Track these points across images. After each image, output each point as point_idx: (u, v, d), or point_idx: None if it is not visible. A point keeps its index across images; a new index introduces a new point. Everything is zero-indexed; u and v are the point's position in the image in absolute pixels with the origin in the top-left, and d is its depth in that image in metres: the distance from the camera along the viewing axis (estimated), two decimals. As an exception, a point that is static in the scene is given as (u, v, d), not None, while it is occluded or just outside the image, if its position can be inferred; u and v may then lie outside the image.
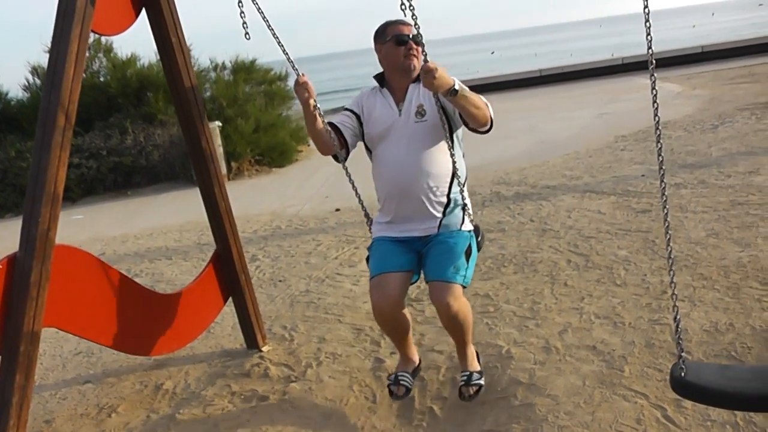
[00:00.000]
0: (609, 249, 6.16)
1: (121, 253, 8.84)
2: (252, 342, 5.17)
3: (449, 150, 3.67)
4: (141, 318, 4.28)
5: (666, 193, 2.85)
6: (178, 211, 11.14)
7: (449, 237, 3.72)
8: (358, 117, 3.89)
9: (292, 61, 3.86)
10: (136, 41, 14.31)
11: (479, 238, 3.85)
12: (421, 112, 3.70)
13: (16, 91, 15.73)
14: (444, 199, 3.73)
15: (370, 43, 3.87)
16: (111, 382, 5.06)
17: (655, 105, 2.84)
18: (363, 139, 3.92)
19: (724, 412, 3.52)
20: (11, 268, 3.29)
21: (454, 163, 3.69)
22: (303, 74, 3.70)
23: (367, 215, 4.11)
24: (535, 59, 41.66)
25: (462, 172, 3.77)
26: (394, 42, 3.75)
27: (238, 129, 14.03)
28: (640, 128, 12.26)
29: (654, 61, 2.80)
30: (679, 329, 2.80)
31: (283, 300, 6.24)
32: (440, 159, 3.70)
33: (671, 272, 2.84)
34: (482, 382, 3.84)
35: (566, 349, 4.41)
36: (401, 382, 3.90)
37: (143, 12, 4.20)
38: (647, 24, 2.77)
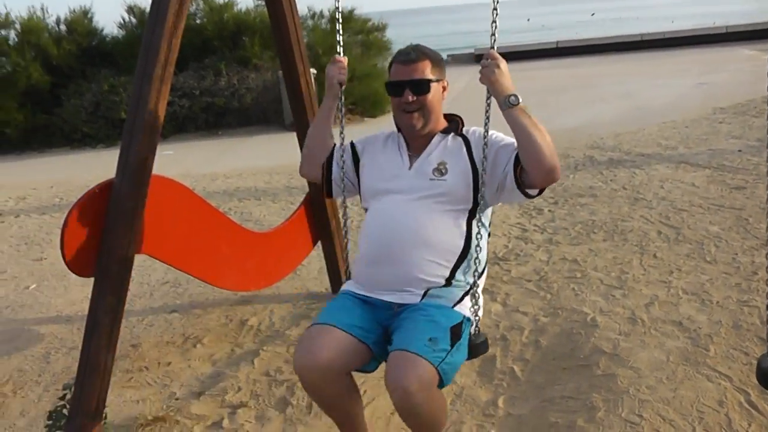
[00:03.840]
0: (701, 224, 6.02)
1: (211, 191, 9.05)
2: (337, 287, 5.23)
3: (467, 226, 2.89)
4: (231, 253, 4.37)
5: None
6: (269, 154, 11.29)
7: (434, 308, 2.79)
8: (354, 154, 3.19)
9: (339, 32, 3.26)
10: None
11: (479, 341, 2.85)
12: (441, 170, 2.89)
13: (111, 28, 16.13)
14: (440, 281, 2.86)
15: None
16: (197, 314, 5.23)
17: None
18: (359, 191, 3.18)
19: (812, 402, 3.44)
20: (107, 193, 3.38)
21: (469, 243, 2.89)
22: (344, 56, 3.19)
23: (348, 271, 3.26)
24: (636, 23, 40.42)
25: (481, 260, 2.89)
26: (387, 90, 3.01)
27: (332, 77, 14.07)
28: (740, 101, 11.85)
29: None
30: (770, 317, 2.73)
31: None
32: (450, 231, 2.87)
33: (769, 255, 2.75)
34: None
35: (652, 322, 4.35)
36: None
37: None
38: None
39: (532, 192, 2.84)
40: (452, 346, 2.66)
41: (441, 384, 2.63)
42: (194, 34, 14.90)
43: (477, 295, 2.88)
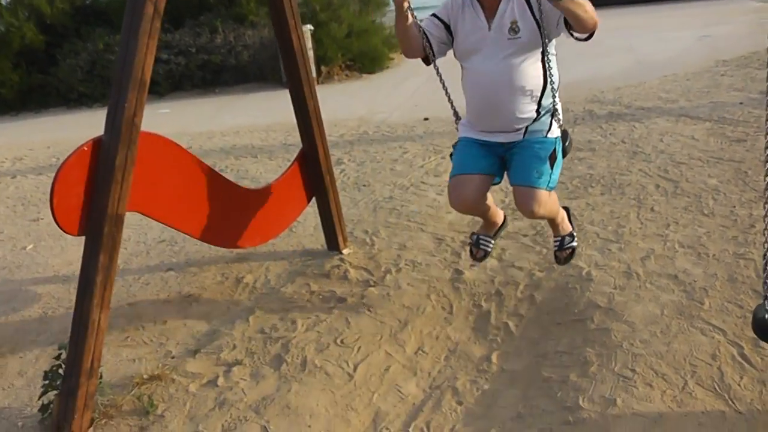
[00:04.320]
0: (699, 177, 5.98)
1: (207, 149, 9.00)
2: (333, 243, 5.24)
3: (542, 64, 3.57)
4: (225, 210, 4.36)
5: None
6: (266, 111, 11.21)
7: (534, 143, 3.69)
8: (446, 27, 3.73)
9: None
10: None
11: (566, 143, 3.79)
12: (514, 29, 3.52)
13: (105, -15, 15.93)
14: (533, 114, 3.65)
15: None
16: (193, 272, 5.23)
17: None
18: (453, 50, 3.80)
19: (805, 356, 3.44)
20: (96, 150, 3.35)
21: (547, 75, 3.60)
22: None
23: (455, 113, 3.99)
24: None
25: (555, 79, 3.66)
26: None
27: (330, 33, 13.92)
28: (743, 53, 11.65)
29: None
30: (766, 268, 2.71)
31: (366, 205, 6.29)
32: (532, 74, 3.58)
33: (766, 206, 2.73)
34: (575, 244, 4.10)
35: (647, 276, 4.34)
36: (481, 246, 4.20)
37: None
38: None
39: (581, 36, 3.50)
40: (552, 167, 3.65)
41: (551, 190, 3.69)
42: (189, -10, 14.75)
43: (557, 112, 3.71)
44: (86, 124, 11.61)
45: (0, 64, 13.91)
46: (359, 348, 3.97)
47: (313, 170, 4.94)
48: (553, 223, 4.06)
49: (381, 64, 14.64)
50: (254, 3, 14.32)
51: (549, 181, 3.65)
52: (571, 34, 3.50)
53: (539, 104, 3.65)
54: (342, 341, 4.05)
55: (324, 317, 4.34)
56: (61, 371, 3.51)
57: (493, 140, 3.76)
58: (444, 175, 6.74)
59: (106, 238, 3.35)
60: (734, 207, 5.25)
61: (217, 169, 7.75)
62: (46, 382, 3.58)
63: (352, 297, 4.54)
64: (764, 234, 2.75)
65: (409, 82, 12.57)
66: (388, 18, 16.04)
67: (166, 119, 11.31)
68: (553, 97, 3.68)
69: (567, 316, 4.03)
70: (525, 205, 3.64)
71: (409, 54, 3.83)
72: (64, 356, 3.50)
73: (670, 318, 3.85)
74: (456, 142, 3.96)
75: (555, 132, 3.74)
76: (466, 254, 4.92)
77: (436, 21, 3.74)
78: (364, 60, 14.44)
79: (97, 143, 3.34)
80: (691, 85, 9.82)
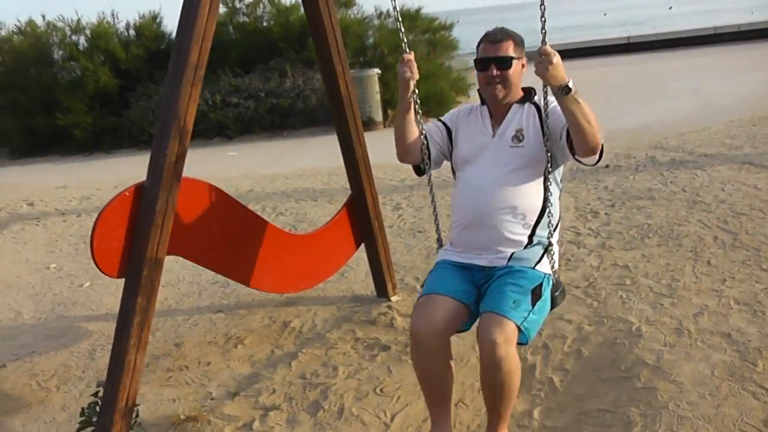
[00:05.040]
0: (760, 229, 5.76)
1: (269, 191, 9.11)
2: (382, 290, 5.21)
3: (543, 186, 3.25)
4: (268, 255, 4.37)
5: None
6: (331, 155, 11.23)
7: (518, 271, 3.20)
8: (448, 132, 3.52)
9: (402, 31, 3.57)
10: (301, -12, 14.52)
11: (557, 293, 3.29)
12: (518, 137, 3.26)
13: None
14: (524, 239, 3.26)
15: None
16: (241, 314, 5.26)
17: None
18: (450, 159, 3.55)
19: None
20: (138, 195, 3.42)
21: (546, 201, 3.26)
22: (410, 52, 3.43)
23: (439, 239, 3.67)
24: (713, 15, 39.33)
25: (555, 214, 3.32)
26: (475, 66, 3.36)
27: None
28: (813, 97, 11.37)
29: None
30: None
31: (419, 251, 6.25)
32: (530, 193, 3.25)
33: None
34: None
35: (699, 334, 4.17)
36: None
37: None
38: None
39: (587, 161, 3.19)
40: (533, 305, 3.08)
41: (524, 339, 3.06)
42: (260, 37, 15.13)
43: (552, 250, 3.32)
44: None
45: (75, 106, 14.49)
46: (398, 398, 3.91)
47: (361, 217, 4.94)
48: (496, 411, 3.15)
49: (448, 107, 14.58)
50: (324, 47, 14.59)
51: (525, 319, 3.03)
52: (574, 156, 3.18)
53: (533, 232, 3.28)
54: (382, 390, 4.00)
55: (366, 365, 4.30)
56: (98, 408, 3.55)
57: (473, 262, 3.32)
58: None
59: (144, 281, 3.40)
60: (796, 262, 5.04)
61: (276, 212, 7.92)
62: (83, 418, 3.63)
63: (397, 345, 4.49)
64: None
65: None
66: (456, 61, 16.12)
67: (233, 161, 11.52)
68: (550, 232, 3.31)
69: (613, 372, 3.90)
70: (486, 331, 2.96)
71: (404, 155, 3.58)
72: (101, 393, 3.55)
73: (720, 379, 3.68)
74: (432, 269, 3.50)
75: (545, 268, 3.26)
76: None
77: (440, 125, 3.55)
78: (431, 103, 14.48)
79: (139, 188, 3.42)
80: (758, 130, 9.57)
